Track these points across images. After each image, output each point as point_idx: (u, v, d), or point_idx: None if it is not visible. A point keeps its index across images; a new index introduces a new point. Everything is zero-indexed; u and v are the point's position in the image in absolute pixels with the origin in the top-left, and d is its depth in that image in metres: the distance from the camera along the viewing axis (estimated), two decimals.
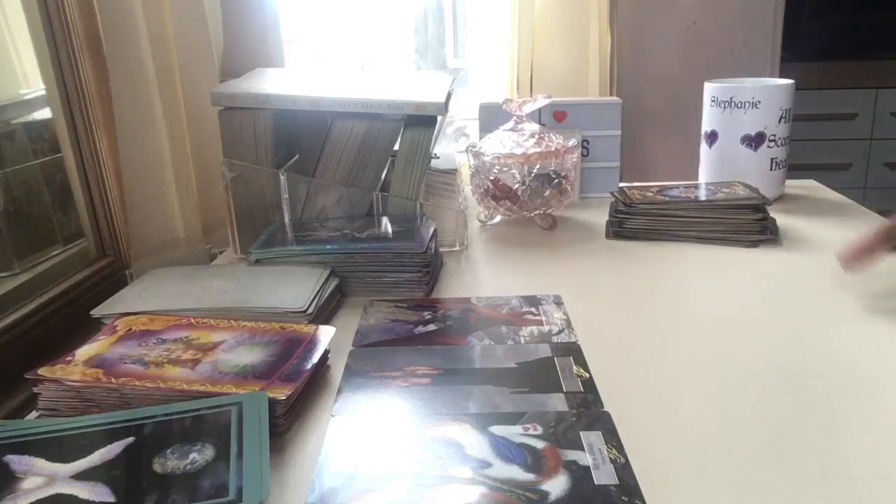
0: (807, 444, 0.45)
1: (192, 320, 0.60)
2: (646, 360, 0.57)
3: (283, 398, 0.48)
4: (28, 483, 0.40)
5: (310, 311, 0.62)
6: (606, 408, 0.49)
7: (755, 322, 0.62)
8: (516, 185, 0.87)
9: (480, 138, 0.96)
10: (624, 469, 0.42)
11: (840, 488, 0.41)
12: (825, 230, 0.85)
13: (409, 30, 1.42)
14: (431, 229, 0.77)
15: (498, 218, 0.95)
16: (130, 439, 0.44)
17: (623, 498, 0.40)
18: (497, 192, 0.89)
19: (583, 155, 1.02)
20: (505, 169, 0.87)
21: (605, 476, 0.42)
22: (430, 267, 0.73)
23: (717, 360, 0.56)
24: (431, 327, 0.63)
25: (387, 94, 0.80)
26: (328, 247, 0.73)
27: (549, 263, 0.81)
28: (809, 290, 0.68)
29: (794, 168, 1.00)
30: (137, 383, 0.49)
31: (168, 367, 0.52)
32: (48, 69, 0.73)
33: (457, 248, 0.85)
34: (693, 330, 0.61)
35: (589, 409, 0.49)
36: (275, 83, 0.84)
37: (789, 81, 0.93)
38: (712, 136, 0.96)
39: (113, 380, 0.50)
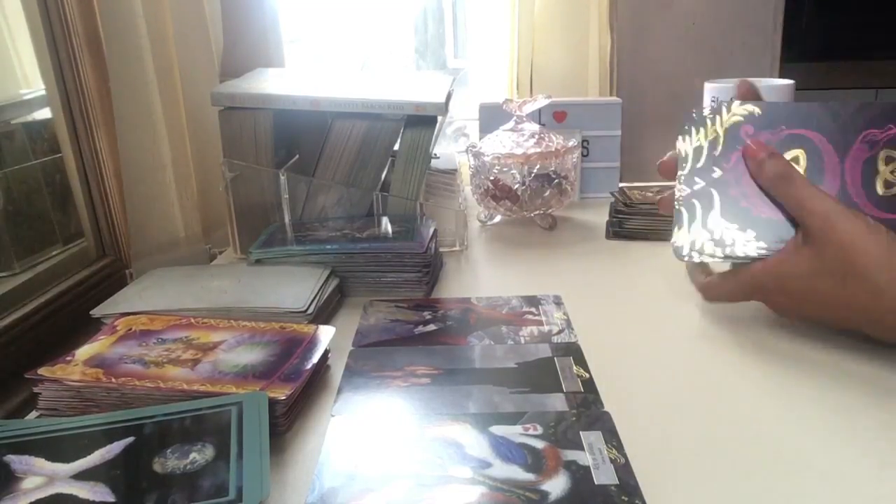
0: (808, 442, 0.45)
1: (192, 320, 0.60)
2: (646, 360, 0.57)
3: (283, 398, 0.48)
4: (28, 483, 0.40)
5: (310, 311, 0.62)
6: (606, 408, 0.49)
7: (756, 319, 0.62)
8: (516, 185, 0.87)
9: (480, 138, 0.96)
10: (624, 469, 0.42)
11: (843, 486, 0.41)
12: None
13: (409, 30, 1.42)
14: (431, 229, 0.77)
15: (498, 218, 0.95)
16: (130, 439, 0.44)
17: (623, 498, 0.40)
18: (497, 192, 0.89)
19: (583, 155, 1.02)
20: (505, 169, 0.87)
21: (605, 476, 0.42)
22: (430, 267, 0.73)
23: (718, 359, 0.56)
24: (431, 327, 0.63)
25: (387, 94, 0.80)
26: (328, 247, 0.73)
27: (549, 263, 0.81)
28: None
29: None
30: (137, 383, 0.49)
31: (168, 366, 0.52)
32: (48, 69, 0.73)
33: (457, 248, 0.85)
34: (693, 329, 0.61)
35: (589, 409, 0.49)
36: (275, 83, 0.84)
37: (789, 82, 0.93)
38: None
39: (113, 380, 0.50)
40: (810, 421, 0.47)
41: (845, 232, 0.48)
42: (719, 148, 0.52)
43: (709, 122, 0.53)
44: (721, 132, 0.52)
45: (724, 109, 0.53)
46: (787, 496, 0.40)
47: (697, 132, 0.53)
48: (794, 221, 0.52)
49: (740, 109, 0.52)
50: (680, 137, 0.54)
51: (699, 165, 0.54)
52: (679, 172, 0.54)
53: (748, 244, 0.52)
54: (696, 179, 0.54)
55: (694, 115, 0.54)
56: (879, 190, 0.50)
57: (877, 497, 0.40)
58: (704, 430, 0.47)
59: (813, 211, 0.50)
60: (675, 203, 0.55)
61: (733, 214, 0.52)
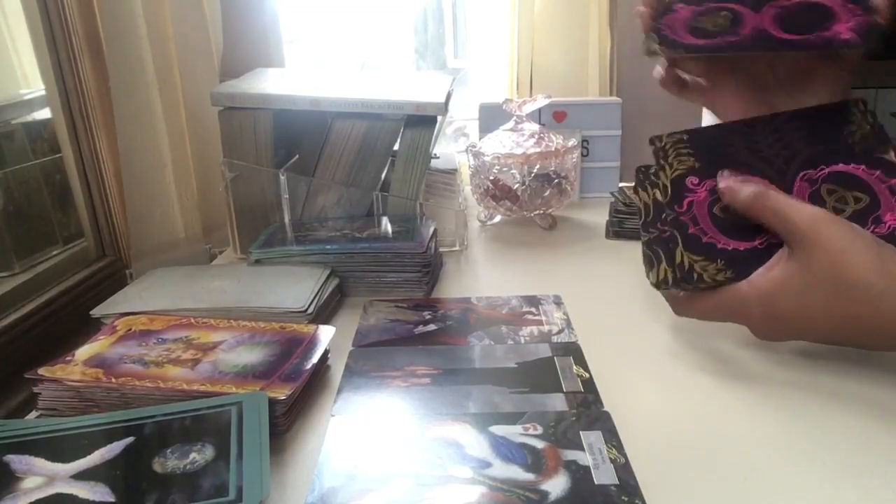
0: (808, 442, 0.45)
1: (192, 320, 0.60)
2: (646, 360, 0.57)
3: (283, 398, 0.48)
4: (28, 483, 0.40)
5: (310, 310, 0.62)
6: (606, 408, 0.49)
7: None
8: (516, 185, 0.87)
9: (480, 138, 0.96)
10: (624, 469, 0.42)
11: (840, 488, 0.41)
12: None
13: (409, 30, 1.42)
14: (431, 229, 0.77)
15: (498, 218, 0.95)
16: (130, 439, 0.44)
17: (623, 498, 0.40)
18: (497, 192, 0.89)
19: (583, 155, 1.02)
20: (505, 169, 0.87)
21: (605, 476, 0.42)
22: (430, 267, 0.73)
23: (719, 359, 0.56)
24: (431, 327, 0.63)
25: (387, 94, 0.80)
26: (328, 247, 0.73)
27: (549, 263, 0.81)
28: None
29: None
30: (137, 383, 0.49)
31: (168, 366, 0.52)
32: (48, 69, 0.73)
33: (457, 248, 0.85)
34: (694, 329, 0.61)
35: (589, 409, 0.49)
36: (275, 83, 0.84)
37: None
38: None
39: (113, 380, 0.50)
40: (812, 421, 0.47)
41: (832, 238, 0.46)
42: (669, 194, 0.54)
43: (653, 178, 0.56)
44: (668, 182, 0.55)
45: (665, 165, 0.55)
46: (786, 496, 0.40)
47: (652, 188, 0.56)
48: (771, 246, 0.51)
49: (681, 165, 0.55)
50: (636, 193, 0.57)
51: (650, 218, 0.55)
52: (641, 221, 0.56)
53: (719, 273, 0.52)
54: (653, 228, 0.55)
55: (641, 173, 0.57)
56: None
57: (868, 500, 0.40)
58: (704, 430, 0.47)
59: (797, 218, 0.48)
60: (643, 247, 0.56)
61: (698, 249, 0.53)
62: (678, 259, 0.53)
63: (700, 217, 0.53)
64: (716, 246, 0.52)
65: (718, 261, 0.52)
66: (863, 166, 0.52)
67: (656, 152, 0.56)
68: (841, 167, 0.52)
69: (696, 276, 0.52)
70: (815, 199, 0.52)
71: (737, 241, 0.52)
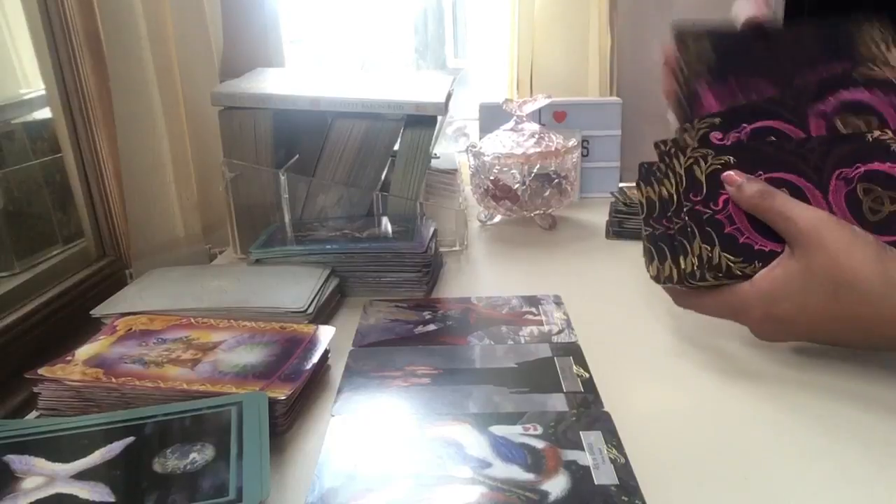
0: (808, 442, 0.45)
1: (192, 320, 0.60)
2: (646, 360, 0.57)
3: (283, 398, 0.48)
4: (28, 483, 0.40)
5: (310, 310, 0.62)
6: (606, 408, 0.49)
7: None
8: (516, 185, 0.87)
9: (480, 138, 0.96)
10: (624, 469, 0.42)
11: (841, 488, 0.41)
12: None
13: (409, 30, 1.42)
14: (431, 229, 0.77)
15: (498, 218, 0.95)
16: (130, 439, 0.44)
17: (623, 498, 0.40)
18: (497, 192, 0.89)
19: (583, 155, 1.02)
20: (505, 169, 0.87)
21: (605, 476, 0.42)
22: (430, 267, 0.73)
23: (719, 359, 0.56)
24: (431, 327, 0.63)
25: (387, 94, 0.80)
26: (328, 247, 0.73)
27: (549, 263, 0.81)
28: None
29: None
30: (137, 383, 0.49)
31: (168, 366, 0.52)
32: (48, 69, 0.73)
33: (457, 248, 0.85)
34: (694, 329, 0.61)
35: (589, 409, 0.49)
36: (275, 83, 0.84)
37: None
38: None
39: (113, 379, 0.50)
40: (812, 420, 0.47)
41: (834, 240, 0.46)
42: (703, 192, 0.52)
43: (657, 174, 0.55)
44: (703, 178, 0.53)
45: (700, 160, 0.53)
46: (787, 496, 0.40)
47: (658, 184, 0.55)
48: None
49: (717, 160, 0.53)
50: (638, 188, 0.57)
51: (656, 213, 0.55)
52: (643, 215, 0.56)
53: (747, 268, 0.51)
54: (657, 224, 0.55)
55: (644, 169, 0.56)
56: (869, 217, 0.50)
57: (871, 499, 0.40)
58: (705, 429, 0.47)
59: (799, 219, 0.48)
60: (644, 240, 0.56)
61: (736, 250, 0.51)
62: (684, 263, 0.52)
63: (736, 216, 0.51)
64: (753, 247, 0.51)
65: (756, 262, 0.50)
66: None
67: (661, 156, 0.55)
68: (877, 166, 0.51)
69: (699, 275, 0.52)
70: (852, 198, 0.50)
71: (772, 243, 0.50)
